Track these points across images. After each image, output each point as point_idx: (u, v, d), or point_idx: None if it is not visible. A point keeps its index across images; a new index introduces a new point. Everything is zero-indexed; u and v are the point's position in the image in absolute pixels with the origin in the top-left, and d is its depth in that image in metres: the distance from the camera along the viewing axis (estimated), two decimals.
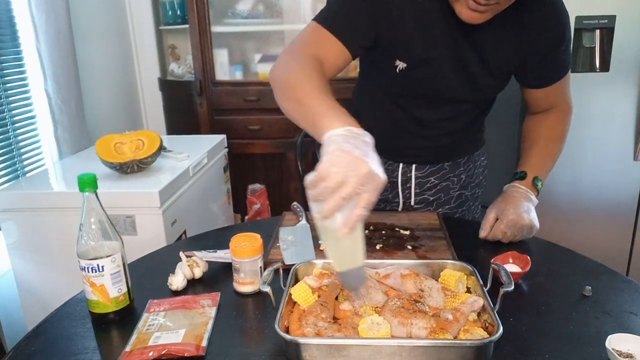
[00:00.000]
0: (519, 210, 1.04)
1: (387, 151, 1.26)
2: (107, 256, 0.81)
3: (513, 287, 0.74)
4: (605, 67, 1.98)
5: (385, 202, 1.29)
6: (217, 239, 1.13)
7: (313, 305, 0.76)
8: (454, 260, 0.88)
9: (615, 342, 0.71)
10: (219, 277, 0.97)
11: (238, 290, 0.91)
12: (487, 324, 0.73)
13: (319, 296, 0.80)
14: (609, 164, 2.10)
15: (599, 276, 0.94)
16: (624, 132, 2.05)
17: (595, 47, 1.97)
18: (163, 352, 0.73)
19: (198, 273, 0.96)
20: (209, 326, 0.80)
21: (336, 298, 0.81)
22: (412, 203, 1.28)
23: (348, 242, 0.68)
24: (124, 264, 0.84)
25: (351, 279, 0.73)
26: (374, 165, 0.67)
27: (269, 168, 2.75)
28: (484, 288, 0.78)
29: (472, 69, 1.05)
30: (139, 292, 0.90)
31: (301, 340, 0.69)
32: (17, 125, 1.95)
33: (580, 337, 0.76)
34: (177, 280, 0.93)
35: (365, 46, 1.03)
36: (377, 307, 0.78)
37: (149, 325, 0.80)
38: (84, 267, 0.81)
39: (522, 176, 1.11)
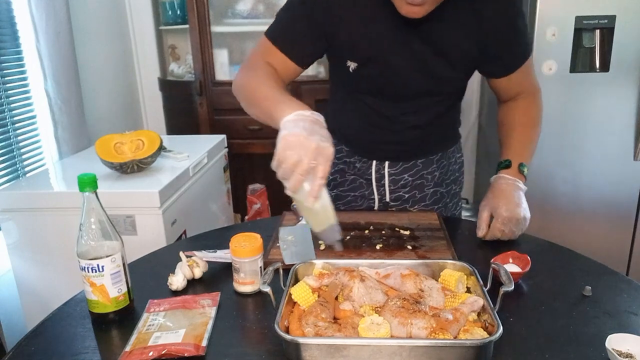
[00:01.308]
0: (512, 205, 1.05)
1: (360, 148, 1.27)
2: (107, 256, 0.81)
3: (513, 287, 0.74)
4: (605, 67, 1.99)
5: (362, 198, 1.31)
6: (217, 239, 1.13)
7: (313, 305, 0.76)
8: (454, 260, 0.88)
9: (615, 342, 0.71)
10: (219, 277, 0.97)
11: (238, 290, 0.91)
12: (487, 324, 0.73)
13: (319, 296, 0.80)
14: (609, 164, 2.10)
15: (599, 276, 0.94)
16: (624, 132, 2.05)
17: (595, 47, 1.98)
18: (163, 352, 0.73)
19: (198, 273, 0.96)
20: (209, 326, 0.80)
21: (336, 298, 0.80)
22: (388, 200, 1.29)
23: (318, 207, 0.79)
24: (124, 264, 0.84)
25: (329, 235, 0.84)
26: (321, 140, 0.77)
27: (269, 168, 2.73)
28: (484, 288, 0.78)
29: (429, 63, 1.06)
30: (139, 292, 0.90)
31: (301, 340, 0.69)
32: (17, 125, 1.95)
33: (580, 337, 0.76)
34: (177, 280, 0.93)
35: (313, 59, 1.11)
36: (377, 307, 0.78)
37: (149, 325, 0.80)
38: (84, 267, 0.81)
39: (507, 165, 1.12)
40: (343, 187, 1.32)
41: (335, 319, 0.76)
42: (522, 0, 1.11)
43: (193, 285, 0.95)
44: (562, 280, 0.93)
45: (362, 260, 0.89)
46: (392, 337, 0.70)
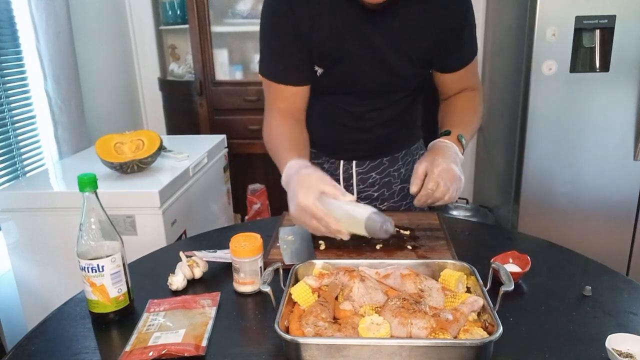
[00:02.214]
0: (448, 160, 1.02)
1: (327, 149, 1.30)
2: (107, 256, 0.81)
3: (513, 287, 0.74)
4: (605, 67, 1.99)
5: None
6: (217, 239, 1.13)
7: (313, 305, 0.76)
8: (453, 260, 0.88)
9: (615, 342, 0.71)
10: (219, 277, 0.97)
11: (238, 290, 0.91)
12: (487, 324, 0.73)
13: (319, 296, 0.80)
14: (609, 164, 2.10)
15: (599, 276, 0.94)
16: (624, 132, 2.05)
17: (595, 47, 1.98)
18: (163, 352, 0.73)
19: (198, 273, 0.96)
20: (209, 326, 0.80)
21: (336, 298, 0.80)
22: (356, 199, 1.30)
23: (344, 225, 0.89)
24: (124, 264, 0.84)
25: (375, 228, 0.84)
26: (302, 200, 0.88)
27: (269, 168, 2.74)
28: (484, 288, 0.78)
29: (388, 60, 1.08)
30: (139, 292, 0.90)
31: (301, 340, 0.69)
32: (17, 125, 1.95)
33: (580, 337, 0.76)
34: (177, 280, 0.93)
35: (313, 69, 1.12)
36: (377, 307, 0.78)
37: (149, 325, 0.80)
38: (84, 267, 0.81)
39: (446, 133, 1.11)
40: None
41: (335, 318, 0.76)
42: None
43: (193, 285, 0.95)
44: (562, 280, 0.93)
45: (362, 260, 0.89)
46: (392, 337, 0.70)
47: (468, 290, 0.83)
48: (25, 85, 2.01)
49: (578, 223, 2.18)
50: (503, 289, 0.74)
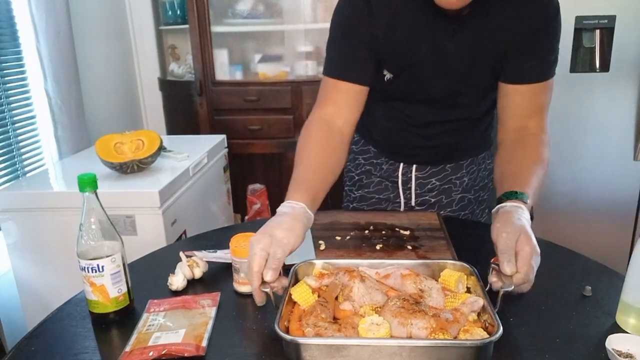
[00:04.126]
0: (532, 236, 0.80)
1: (387, 150, 1.26)
2: (107, 256, 0.81)
3: (513, 287, 0.74)
4: (605, 67, 1.99)
5: (387, 201, 1.29)
6: (217, 239, 1.13)
7: (313, 305, 0.76)
8: (454, 260, 0.88)
9: (615, 342, 0.71)
10: (219, 277, 0.97)
11: (238, 290, 0.91)
12: (487, 324, 0.73)
13: (319, 296, 0.80)
14: (609, 164, 2.10)
15: (599, 276, 0.94)
16: (624, 132, 2.05)
17: (595, 47, 1.98)
18: (163, 352, 0.73)
19: (198, 273, 0.96)
20: (209, 326, 0.80)
21: (336, 298, 0.80)
22: (413, 204, 1.28)
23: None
24: (124, 264, 0.84)
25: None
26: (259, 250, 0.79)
27: (268, 168, 2.75)
28: (484, 288, 0.78)
29: (458, 68, 1.04)
30: (139, 292, 0.90)
31: (301, 340, 0.68)
32: (17, 125, 1.95)
33: (580, 337, 0.76)
34: (177, 280, 0.93)
35: (375, 73, 1.06)
36: (377, 307, 0.78)
37: (149, 325, 0.80)
38: (84, 267, 0.81)
39: (514, 195, 0.88)
40: (368, 189, 1.31)
41: (335, 319, 0.76)
42: (558, 8, 1.06)
43: (193, 285, 0.95)
44: (562, 280, 0.93)
45: (362, 261, 0.89)
46: (392, 337, 0.70)
47: (468, 291, 0.83)
48: (25, 85, 2.01)
49: (578, 223, 2.18)
50: (503, 289, 0.74)
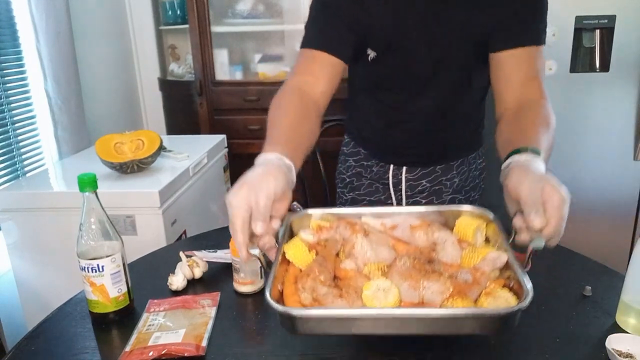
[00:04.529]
0: (558, 182, 0.70)
1: (378, 152, 1.26)
2: (107, 256, 0.81)
3: (543, 244, 0.63)
4: (605, 67, 1.98)
5: (378, 203, 1.29)
6: (217, 239, 1.13)
7: (310, 265, 0.68)
8: (471, 206, 0.77)
9: (615, 342, 0.71)
10: (219, 277, 0.97)
11: (238, 290, 0.91)
12: (512, 282, 0.62)
13: (317, 253, 0.71)
14: (609, 164, 2.10)
15: (599, 276, 0.94)
16: (624, 132, 2.05)
17: (595, 47, 1.97)
18: (163, 352, 0.73)
19: (198, 273, 0.96)
20: (209, 326, 0.80)
21: (337, 255, 0.72)
22: (404, 205, 1.27)
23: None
24: (124, 264, 0.84)
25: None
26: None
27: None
28: (508, 240, 0.67)
29: (444, 40, 1.03)
30: (139, 292, 0.90)
31: (296, 312, 0.60)
32: (17, 125, 1.95)
33: (580, 337, 0.76)
34: (177, 280, 0.93)
35: (353, 50, 1.04)
36: (383, 266, 0.68)
37: (149, 325, 0.80)
38: (84, 267, 0.81)
39: (524, 150, 0.78)
40: (359, 191, 1.31)
41: (336, 278, 0.68)
42: None
43: (193, 285, 0.95)
44: (562, 280, 0.93)
45: (365, 209, 0.80)
46: (401, 304, 0.61)
47: (487, 242, 0.73)
48: (25, 85, 2.01)
49: (578, 223, 2.18)
50: (532, 245, 0.62)
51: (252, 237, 0.68)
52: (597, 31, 1.96)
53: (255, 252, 0.67)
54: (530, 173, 0.71)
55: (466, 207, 0.76)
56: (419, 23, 1.02)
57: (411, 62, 1.07)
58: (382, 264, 0.68)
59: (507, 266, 0.65)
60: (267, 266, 0.68)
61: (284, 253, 0.70)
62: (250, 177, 0.70)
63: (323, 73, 1.01)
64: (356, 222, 0.74)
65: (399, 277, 0.63)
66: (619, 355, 0.69)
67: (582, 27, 1.94)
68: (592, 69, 2.00)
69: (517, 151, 0.77)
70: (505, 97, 1.00)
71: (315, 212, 0.77)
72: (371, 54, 1.07)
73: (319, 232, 0.74)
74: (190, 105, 2.70)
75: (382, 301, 0.60)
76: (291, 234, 0.76)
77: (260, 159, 0.75)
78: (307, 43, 1.04)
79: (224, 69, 2.65)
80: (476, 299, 0.61)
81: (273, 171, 0.71)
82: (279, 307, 0.59)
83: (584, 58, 2.00)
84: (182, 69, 2.85)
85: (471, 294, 0.61)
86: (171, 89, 2.87)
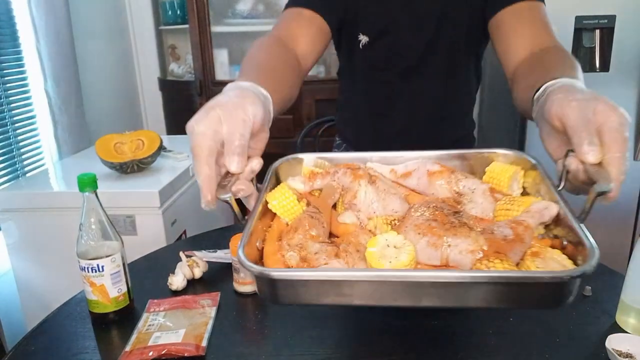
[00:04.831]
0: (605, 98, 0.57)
1: (369, 147, 1.23)
2: (107, 256, 0.81)
3: (611, 187, 0.47)
4: (605, 67, 1.98)
5: None
6: (217, 239, 1.13)
7: (299, 218, 0.54)
8: (506, 149, 0.61)
9: (615, 342, 0.71)
10: (219, 277, 0.97)
11: (238, 290, 0.91)
12: (564, 242, 0.49)
13: (308, 204, 0.57)
14: None
15: (599, 276, 0.94)
16: None
17: (595, 47, 1.97)
18: (163, 352, 0.73)
19: (198, 273, 0.96)
20: (209, 326, 0.80)
21: (334, 207, 0.59)
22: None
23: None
24: (124, 264, 0.84)
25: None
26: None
27: (269, 168, 2.75)
28: (556, 187, 0.53)
29: (434, 28, 1.03)
30: (139, 292, 0.90)
31: (275, 274, 0.45)
32: (17, 125, 1.95)
33: (580, 337, 0.76)
34: (177, 280, 0.93)
35: (340, 17, 1.01)
36: (393, 220, 0.54)
37: (149, 325, 0.80)
38: (84, 267, 0.81)
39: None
40: None
41: (332, 236, 0.55)
42: None
43: (193, 285, 0.95)
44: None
45: (372, 154, 0.64)
46: (418, 266, 0.47)
47: (525, 194, 0.59)
48: (25, 85, 2.01)
49: None
50: (597, 188, 0.47)
51: (224, 179, 0.53)
52: (597, 31, 1.96)
53: (226, 196, 0.51)
54: (575, 92, 0.56)
55: (499, 150, 0.60)
56: (408, 8, 1.01)
57: (402, 46, 1.06)
58: (392, 217, 0.53)
59: (556, 221, 0.51)
60: (241, 216, 0.53)
61: (265, 203, 0.56)
62: (221, 100, 0.55)
63: (308, 32, 0.94)
64: (359, 166, 0.59)
65: (414, 231, 0.47)
66: (619, 355, 0.69)
67: (582, 27, 1.94)
68: (592, 69, 2.00)
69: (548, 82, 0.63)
70: (515, 52, 0.90)
71: (308, 157, 0.62)
72: (363, 39, 1.06)
73: (312, 180, 0.60)
74: (190, 105, 2.70)
75: (392, 261, 0.45)
76: (277, 183, 0.62)
77: (231, 85, 0.60)
78: (293, 2, 0.98)
79: (224, 69, 2.65)
80: (519, 261, 0.46)
81: (249, 95, 0.57)
82: (254, 267, 0.45)
83: (584, 58, 2.00)
84: (182, 69, 2.85)
85: (513, 254, 0.45)
86: (171, 89, 2.87)
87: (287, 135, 2.62)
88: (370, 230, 0.54)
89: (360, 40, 1.06)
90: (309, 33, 0.95)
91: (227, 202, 0.51)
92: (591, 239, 0.45)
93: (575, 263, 0.46)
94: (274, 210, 0.56)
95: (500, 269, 0.43)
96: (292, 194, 0.57)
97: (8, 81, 1.91)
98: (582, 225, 0.48)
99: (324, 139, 1.87)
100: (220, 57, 2.63)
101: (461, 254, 0.45)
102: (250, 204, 0.56)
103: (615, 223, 2.17)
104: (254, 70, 0.71)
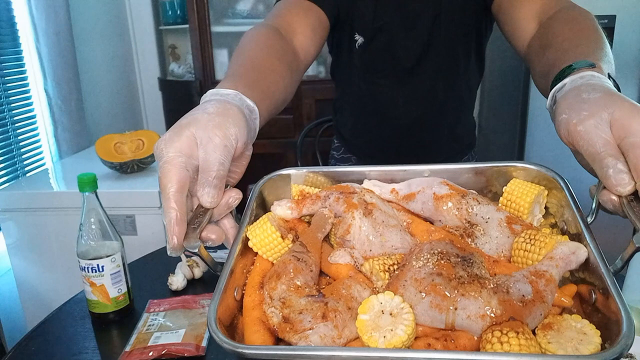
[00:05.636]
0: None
1: (366, 155, 1.23)
2: (107, 256, 0.81)
3: None
4: None
5: None
6: None
7: (284, 261, 0.46)
8: (528, 162, 0.52)
9: None
10: (219, 277, 0.97)
11: None
12: (593, 293, 0.41)
13: (295, 238, 0.50)
14: None
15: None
16: None
17: None
18: (163, 352, 0.73)
19: (198, 273, 0.96)
20: None
21: (326, 238, 0.51)
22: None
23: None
24: (124, 264, 0.84)
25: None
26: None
27: (268, 168, 2.74)
28: (587, 223, 0.44)
29: (429, 27, 1.02)
30: (139, 292, 0.90)
31: (248, 352, 0.39)
32: (17, 125, 1.95)
33: None
34: (177, 280, 0.93)
35: (338, 11, 0.99)
36: (392, 265, 0.46)
37: (149, 325, 0.80)
38: (84, 267, 0.81)
39: (570, 69, 0.57)
40: None
41: (322, 273, 0.49)
42: None
43: (193, 285, 0.95)
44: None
45: (370, 168, 0.56)
46: (419, 329, 0.40)
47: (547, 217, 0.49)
48: (25, 85, 2.01)
49: None
50: (638, 241, 0.40)
51: (195, 216, 0.46)
52: None
53: (195, 246, 0.44)
54: (582, 103, 0.47)
55: (519, 164, 0.51)
56: (403, 11, 1.01)
57: (398, 46, 1.05)
58: (391, 260, 0.46)
59: (584, 266, 0.44)
60: (214, 266, 0.47)
61: (246, 238, 0.49)
62: (198, 117, 0.47)
63: (308, 22, 0.87)
64: (353, 190, 0.52)
65: (415, 288, 0.41)
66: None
67: None
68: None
69: (559, 77, 0.57)
70: (523, 28, 0.82)
71: (296, 173, 0.54)
72: (359, 39, 1.06)
73: (301, 204, 0.52)
74: (190, 105, 2.63)
75: (387, 335, 0.38)
76: (262, 203, 0.54)
77: (212, 93, 0.54)
78: None
79: (224, 69, 2.65)
80: (536, 327, 0.39)
81: (231, 112, 0.50)
82: (225, 342, 0.39)
83: None
84: (182, 69, 2.85)
85: (530, 320, 0.38)
86: (171, 89, 2.87)
87: (287, 135, 2.62)
88: (365, 275, 0.47)
89: (356, 40, 1.06)
90: (308, 23, 0.87)
91: (195, 254, 0.45)
92: (626, 307, 0.36)
93: (602, 325, 0.38)
94: (254, 250, 0.50)
95: (515, 350, 0.35)
96: (275, 230, 0.49)
97: (8, 81, 1.91)
98: (614, 281, 0.39)
99: (324, 139, 1.87)
100: (221, 57, 2.63)
101: (470, 319, 0.39)
102: (228, 241, 0.49)
103: (615, 223, 2.16)
104: (242, 70, 0.64)
